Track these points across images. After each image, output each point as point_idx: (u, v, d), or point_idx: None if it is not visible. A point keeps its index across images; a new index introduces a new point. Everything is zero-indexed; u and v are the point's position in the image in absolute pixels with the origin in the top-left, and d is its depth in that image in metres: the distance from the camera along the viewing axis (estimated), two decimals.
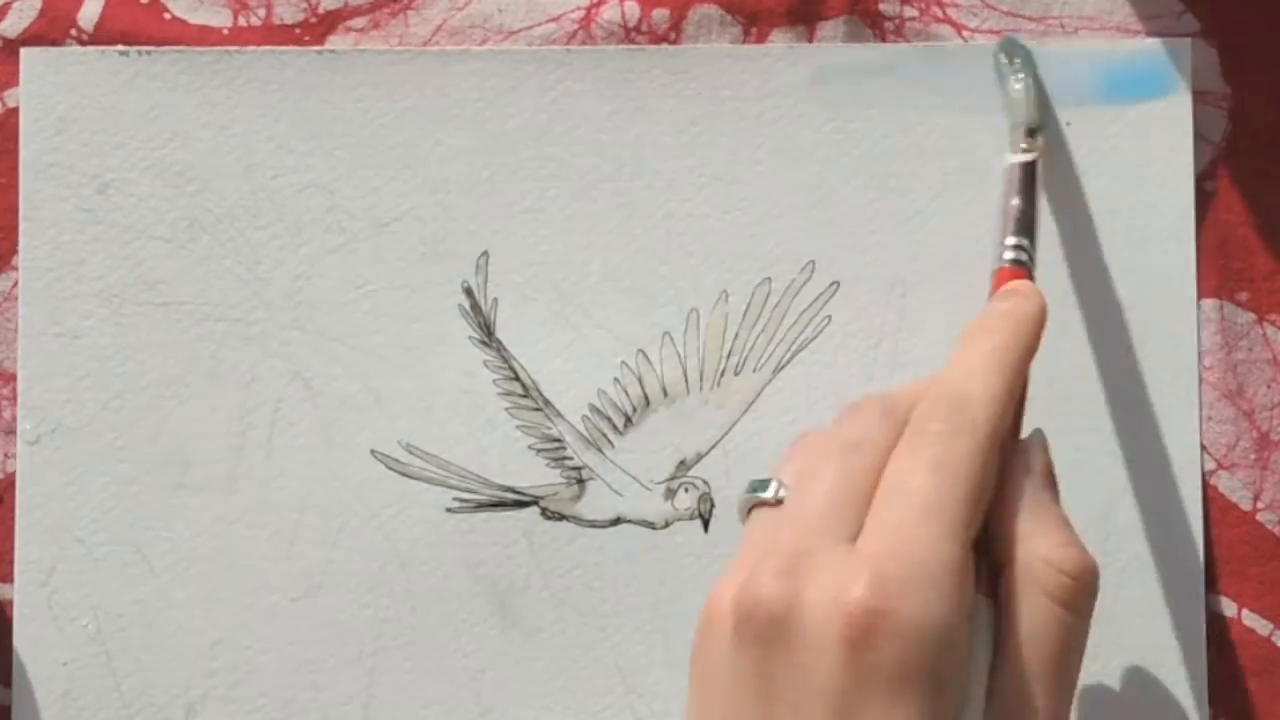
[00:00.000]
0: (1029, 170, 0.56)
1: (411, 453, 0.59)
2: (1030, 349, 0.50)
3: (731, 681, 0.45)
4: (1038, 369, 0.58)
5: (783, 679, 0.44)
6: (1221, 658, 0.58)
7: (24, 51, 0.60)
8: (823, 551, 0.45)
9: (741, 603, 0.45)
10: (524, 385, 0.59)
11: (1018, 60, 0.59)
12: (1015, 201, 0.55)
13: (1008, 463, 0.48)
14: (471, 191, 0.60)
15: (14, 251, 0.60)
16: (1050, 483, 0.49)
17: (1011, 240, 0.54)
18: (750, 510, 0.49)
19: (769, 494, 0.49)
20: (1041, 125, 0.58)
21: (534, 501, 0.59)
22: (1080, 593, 0.46)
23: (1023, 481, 0.48)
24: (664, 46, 0.60)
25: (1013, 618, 0.46)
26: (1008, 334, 0.49)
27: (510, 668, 0.59)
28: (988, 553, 0.47)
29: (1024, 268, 0.53)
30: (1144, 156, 0.59)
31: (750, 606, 0.45)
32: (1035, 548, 0.46)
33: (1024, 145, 0.57)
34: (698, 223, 0.59)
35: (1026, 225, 0.55)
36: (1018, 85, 0.58)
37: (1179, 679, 0.58)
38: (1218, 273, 0.59)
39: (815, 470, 0.48)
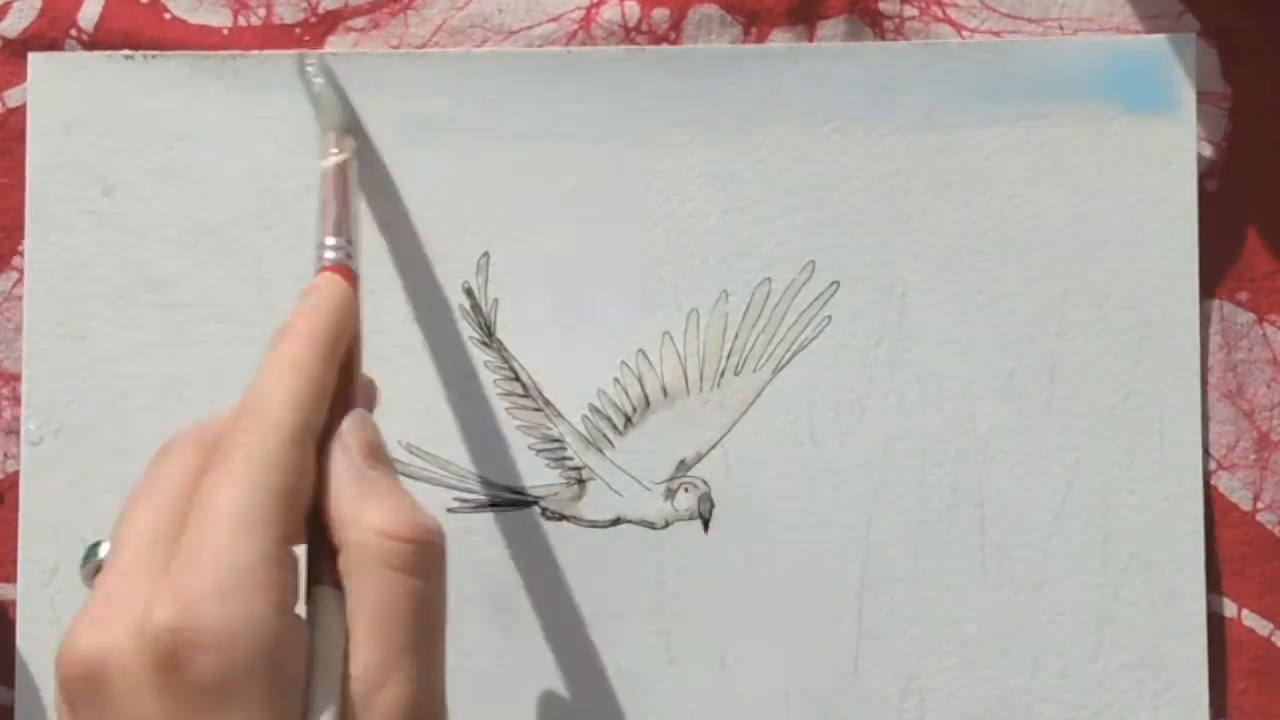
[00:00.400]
0: (341, 171, 0.55)
1: (412, 453, 0.59)
2: (331, 336, 0.49)
3: None
4: (1040, 368, 0.58)
5: None
6: (1221, 658, 0.58)
7: (31, 56, 0.60)
8: (135, 588, 0.44)
9: (61, 665, 0.44)
10: (524, 385, 0.59)
11: (312, 69, 0.59)
12: (332, 205, 0.54)
13: (331, 449, 0.47)
14: (471, 191, 0.60)
15: (15, 251, 0.60)
16: (376, 457, 0.48)
17: (330, 240, 0.53)
18: (94, 579, 0.48)
19: (101, 554, 0.48)
20: (350, 129, 0.57)
21: (534, 501, 0.59)
22: (420, 555, 0.45)
23: (343, 463, 0.47)
24: (664, 46, 0.60)
25: (357, 597, 0.45)
26: (304, 330, 0.49)
27: (510, 668, 0.59)
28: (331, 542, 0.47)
29: (343, 265, 0.52)
30: (1145, 156, 0.59)
31: (68, 667, 0.44)
32: (366, 522, 0.46)
33: (334, 150, 0.56)
34: (698, 223, 0.59)
35: (341, 225, 0.53)
36: (324, 94, 0.58)
37: (1179, 679, 0.58)
38: (1218, 273, 0.59)
39: (129, 517, 0.47)
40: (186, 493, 0.46)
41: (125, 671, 0.43)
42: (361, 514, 0.46)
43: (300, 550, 0.46)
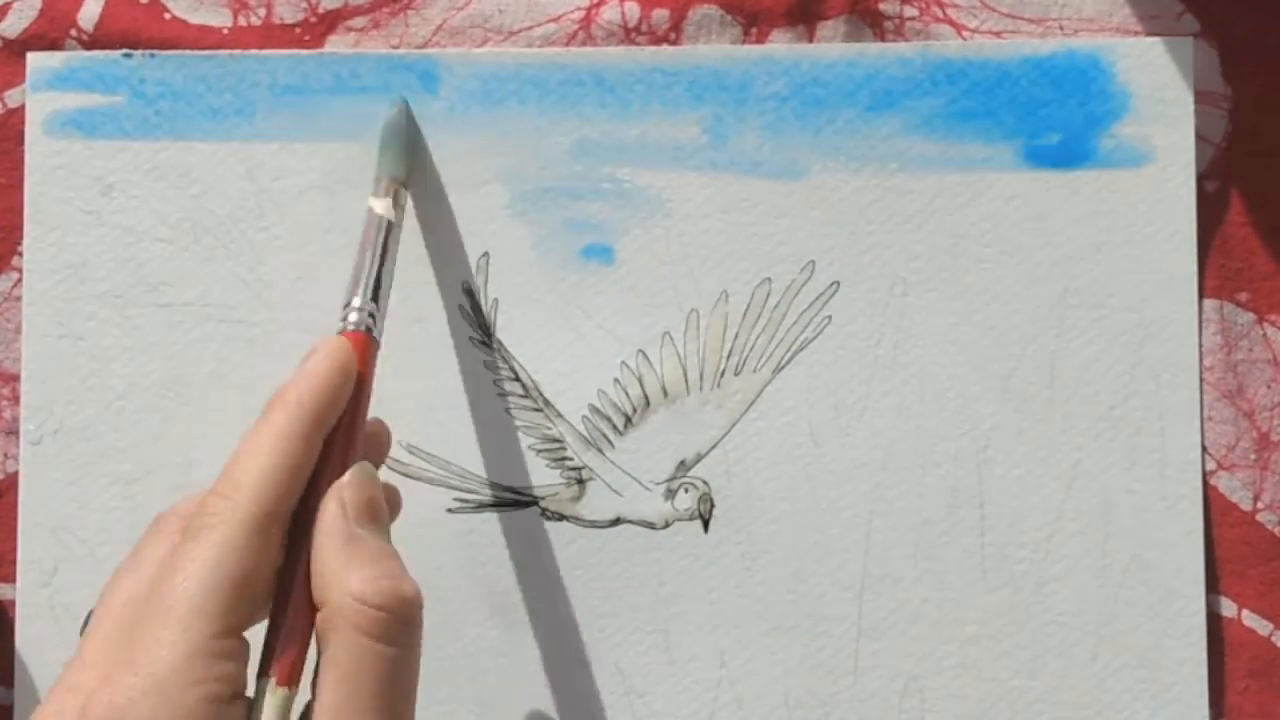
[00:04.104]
0: (386, 228, 0.55)
1: (412, 453, 0.59)
2: (320, 407, 0.49)
3: None
4: (1040, 368, 0.58)
5: None
6: (1221, 658, 0.58)
7: (30, 55, 0.60)
8: (86, 678, 0.44)
9: None
10: (524, 385, 0.59)
11: (393, 112, 0.59)
12: (367, 262, 0.54)
13: (326, 502, 0.48)
14: (471, 191, 0.60)
15: (15, 252, 0.60)
16: (369, 517, 0.48)
17: (356, 300, 0.53)
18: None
19: (84, 631, 0.48)
20: (405, 183, 0.57)
21: (534, 501, 0.59)
22: (393, 624, 0.45)
23: (335, 519, 0.47)
24: (664, 47, 0.60)
25: (328, 657, 0.45)
26: (292, 402, 0.49)
27: (510, 668, 0.59)
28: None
29: (360, 330, 0.52)
30: (1144, 156, 0.59)
31: None
32: (345, 586, 0.46)
33: (387, 199, 0.56)
34: (697, 223, 0.59)
35: (368, 286, 0.53)
36: (388, 139, 0.58)
37: (1179, 679, 0.58)
38: (1218, 273, 0.59)
39: (107, 595, 0.47)
40: (156, 573, 0.46)
41: None
42: (343, 576, 0.46)
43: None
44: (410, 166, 0.58)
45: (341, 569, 0.46)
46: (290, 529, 0.47)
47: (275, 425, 0.48)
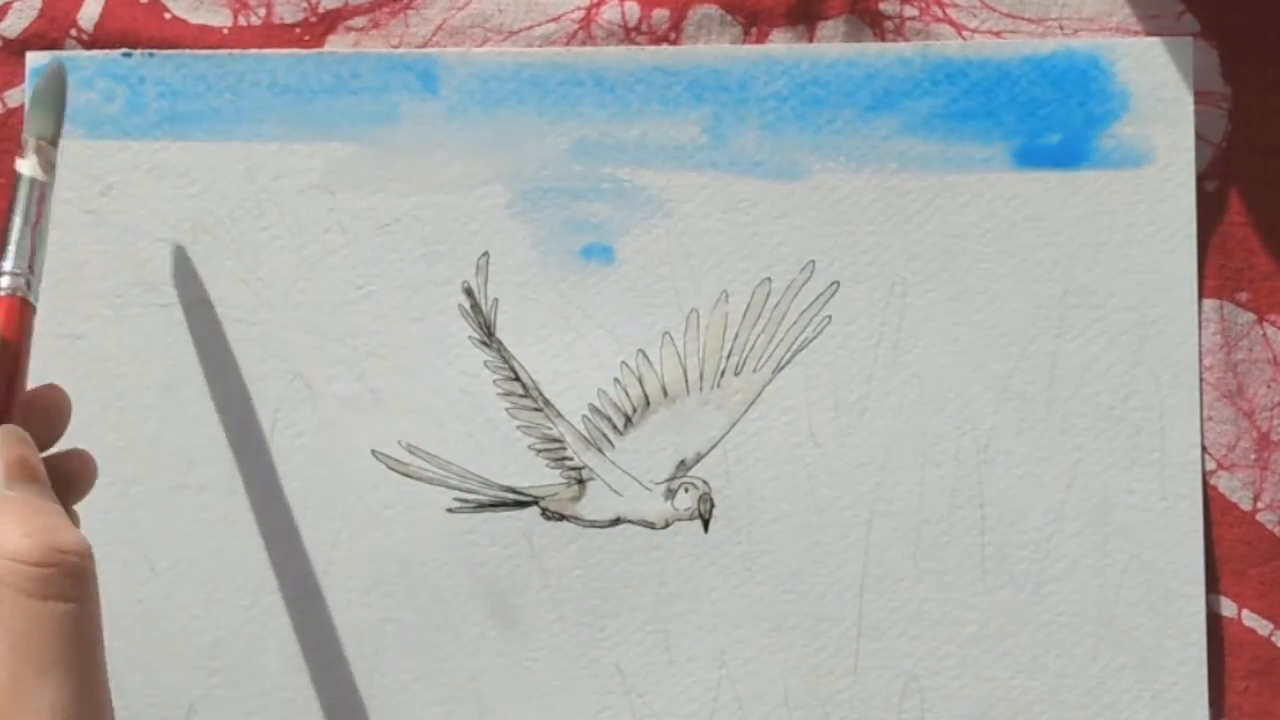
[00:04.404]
0: (36, 189, 0.54)
1: (412, 453, 0.59)
2: None
3: None
4: (1040, 368, 0.58)
5: None
6: (1221, 658, 0.58)
7: (29, 55, 0.60)
8: None
9: None
10: (524, 385, 0.59)
11: (45, 70, 0.57)
12: (17, 224, 0.53)
13: None
14: (471, 191, 0.60)
15: None
16: (19, 476, 0.47)
17: (7, 265, 0.52)
18: None
19: None
20: (50, 140, 0.55)
21: (534, 501, 0.59)
22: (57, 578, 0.44)
23: None
24: (664, 46, 0.60)
25: None
26: None
27: (510, 668, 0.59)
28: None
29: (13, 295, 0.51)
30: (1144, 156, 0.59)
31: None
32: None
33: (35, 159, 0.54)
34: (698, 223, 0.59)
35: (21, 248, 0.52)
36: (39, 98, 0.56)
37: (1179, 679, 0.58)
38: (1218, 273, 0.59)
39: None
40: None
41: None
42: None
43: None
44: (59, 126, 0.57)
45: None
46: None
47: None
